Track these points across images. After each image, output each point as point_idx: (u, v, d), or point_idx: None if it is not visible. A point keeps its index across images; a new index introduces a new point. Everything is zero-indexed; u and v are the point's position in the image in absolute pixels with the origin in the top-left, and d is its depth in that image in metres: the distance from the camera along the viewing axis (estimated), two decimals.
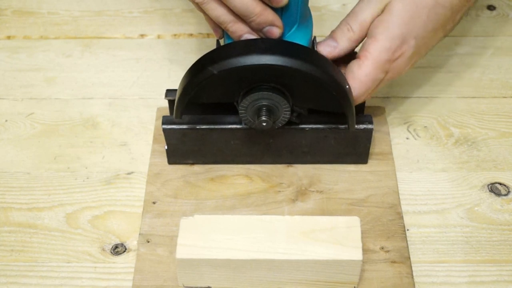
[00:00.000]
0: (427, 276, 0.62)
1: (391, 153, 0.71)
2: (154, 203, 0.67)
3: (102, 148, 0.73)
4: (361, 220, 0.60)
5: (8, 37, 0.87)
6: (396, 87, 0.80)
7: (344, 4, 0.91)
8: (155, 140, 0.72)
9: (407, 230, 0.65)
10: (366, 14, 0.64)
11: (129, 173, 0.70)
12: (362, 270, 0.60)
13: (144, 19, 0.89)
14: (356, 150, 0.69)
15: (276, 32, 0.61)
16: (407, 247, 0.63)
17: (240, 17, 0.61)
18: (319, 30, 0.67)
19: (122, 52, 0.84)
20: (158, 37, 0.86)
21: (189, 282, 0.60)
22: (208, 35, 0.86)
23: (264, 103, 0.62)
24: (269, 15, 0.61)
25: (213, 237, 0.58)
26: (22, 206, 0.68)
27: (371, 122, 0.67)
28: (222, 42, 0.67)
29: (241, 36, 0.62)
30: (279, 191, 0.68)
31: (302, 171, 0.70)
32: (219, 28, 0.64)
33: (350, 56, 0.66)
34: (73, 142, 0.74)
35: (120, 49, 0.85)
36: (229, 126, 0.67)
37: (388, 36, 0.63)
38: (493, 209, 0.67)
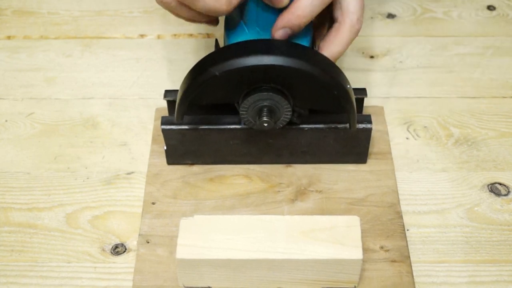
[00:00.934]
0: (427, 276, 0.62)
1: (390, 153, 0.71)
2: (153, 203, 0.67)
3: (102, 148, 0.73)
4: (360, 220, 0.60)
5: (8, 37, 0.87)
6: (396, 87, 0.80)
7: None
8: (154, 140, 0.72)
9: (407, 230, 0.65)
10: None
11: (129, 173, 0.70)
12: (362, 270, 0.60)
13: (144, 19, 0.89)
14: (355, 149, 0.69)
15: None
16: (407, 246, 0.63)
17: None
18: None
19: (122, 52, 0.84)
20: (158, 37, 0.87)
21: (189, 282, 0.60)
22: (208, 35, 0.86)
23: (265, 104, 0.62)
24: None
25: (213, 237, 0.58)
26: (22, 206, 0.68)
27: (370, 122, 0.67)
28: (220, 42, 0.68)
29: None
30: (279, 191, 0.68)
31: (301, 171, 0.70)
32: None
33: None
34: (73, 142, 0.74)
35: (120, 49, 0.85)
36: (228, 126, 0.67)
37: None
38: (493, 209, 0.67)
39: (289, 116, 0.63)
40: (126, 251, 0.64)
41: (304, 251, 0.57)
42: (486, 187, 0.69)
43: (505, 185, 0.69)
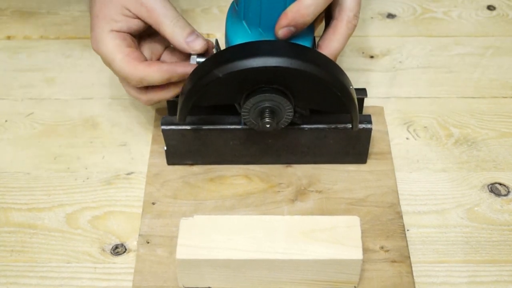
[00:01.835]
0: (427, 276, 0.62)
1: (390, 153, 0.71)
2: (153, 203, 0.67)
3: (102, 148, 0.73)
4: (360, 220, 0.60)
5: (8, 37, 0.87)
6: (396, 87, 0.80)
7: None
8: (154, 140, 0.72)
9: (407, 230, 0.65)
10: None
11: (129, 173, 0.70)
12: (362, 270, 0.60)
13: None
14: (355, 149, 0.69)
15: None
16: (407, 246, 0.63)
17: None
18: (320, 30, 0.67)
19: None
20: None
21: (189, 283, 0.60)
22: (208, 35, 0.86)
23: (267, 105, 0.62)
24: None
25: (213, 238, 0.58)
26: (22, 207, 0.68)
27: (370, 122, 0.67)
28: (221, 42, 0.67)
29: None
30: (279, 191, 0.68)
31: (301, 171, 0.70)
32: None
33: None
34: (73, 142, 0.74)
35: None
36: (228, 127, 0.67)
37: None
38: (493, 209, 0.67)
39: (291, 117, 0.63)
40: (126, 251, 0.64)
41: (304, 251, 0.57)
42: (486, 187, 0.69)
43: (505, 185, 0.69)
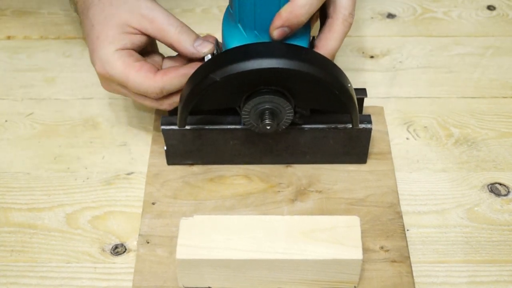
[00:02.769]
0: (427, 276, 0.62)
1: (390, 153, 0.71)
2: (153, 203, 0.67)
3: (102, 148, 0.73)
4: (360, 220, 0.60)
5: (8, 37, 0.87)
6: (396, 87, 0.80)
7: None
8: (154, 141, 0.72)
9: (407, 230, 0.65)
10: None
11: (129, 174, 0.70)
12: (362, 270, 0.60)
13: None
14: (355, 150, 0.69)
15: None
16: (407, 246, 0.63)
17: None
18: (315, 29, 0.67)
19: None
20: None
21: (189, 283, 0.60)
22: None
23: (267, 107, 0.62)
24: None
25: (213, 238, 0.58)
26: (22, 207, 0.68)
27: (370, 122, 0.67)
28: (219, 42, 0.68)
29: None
30: (279, 191, 0.68)
31: (301, 171, 0.70)
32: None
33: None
34: (73, 142, 0.74)
35: None
36: (228, 127, 0.67)
37: None
38: (493, 209, 0.67)
39: (291, 118, 0.63)
40: (126, 251, 0.64)
41: (304, 251, 0.57)
42: (486, 187, 0.69)
43: (505, 185, 0.69)
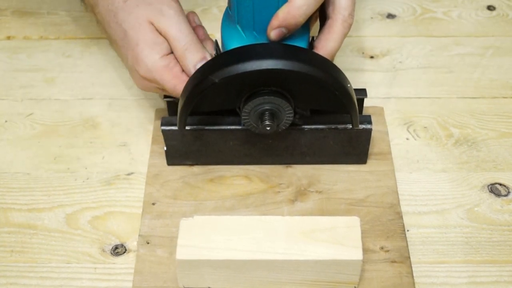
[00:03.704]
0: (427, 276, 0.62)
1: (390, 153, 0.71)
2: (153, 204, 0.67)
3: (102, 148, 0.73)
4: (360, 220, 0.60)
5: (8, 37, 0.87)
6: (396, 87, 0.80)
7: None
8: (154, 141, 0.72)
9: (407, 230, 0.65)
10: None
11: (129, 174, 0.70)
12: (362, 270, 0.60)
13: None
14: (355, 150, 0.69)
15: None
16: (407, 246, 0.63)
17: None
18: (316, 30, 0.67)
19: None
20: None
21: (189, 283, 0.60)
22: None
23: (266, 107, 0.62)
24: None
25: (213, 238, 0.58)
26: (22, 207, 0.68)
27: (370, 122, 0.67)
28: (219, 43, 0.68)
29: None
30: (279, 192, 0.68)
31: (301, 172, 0.70)
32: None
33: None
34: (73, 142, 0.74)
35: None
36: (228, 127, 0.67)
37: None
38: (493, 209, 0.67)
39: (291, 118, 0.63)
40: (126, 251, 0.64)
41: (304, 251, 0.57)
42: (486, 187, 0.69)
43: (505, 186, 0.69)
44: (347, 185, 0.69)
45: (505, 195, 0.68)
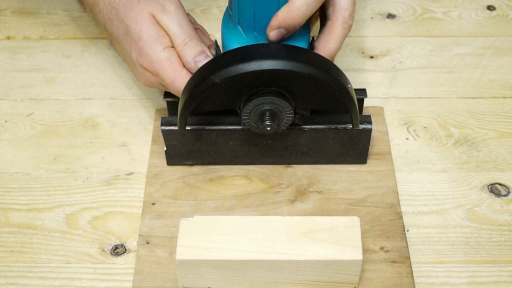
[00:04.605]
0: (427, 276, 0.62)
1: (390, 153, 0.71)
2: (153, 204, 0.67)
3: (102, 148, 0.73)
4: (360, 220, 0.60)
5: (8, 37, 0.87)
6: (396, 87, 0.80)
7: None
8: (153, 141, 0.72)
9: (407, 230, 0.65)
10: None
11: (129, 174, 0.70)
12: (362, 270, 0.60)
13: None
14: (355, 150, 0.69)
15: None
16: (407, 246, 0.63)
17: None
18: (316, 30, 0.67)
19: None
20: None
21: (189, 283, 0.60)
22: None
23: (267, 108, 0.62)
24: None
25: (213, 238, 0.58)
26: (21, 207, 0.68)
27: (370, 122, 0.67)
28: (219, 43, 0.68)
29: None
30: (279, 192, 0.68)
31: (301, 172, 0.70)
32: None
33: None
34: (73, 142, 0.74)
35: None
36: (228, 127, 0.67)
37: None
38: (493, 209, 0.67)
39: (291, 118, 0.63)
40: (126, 251, 0.64)
41: (304, 251, 0.57)
42: (486, 187, 0.69)
43: (505, 186, 0.69)
44: (347, 185, 0.69)
45: (505, 195, 0.68)
